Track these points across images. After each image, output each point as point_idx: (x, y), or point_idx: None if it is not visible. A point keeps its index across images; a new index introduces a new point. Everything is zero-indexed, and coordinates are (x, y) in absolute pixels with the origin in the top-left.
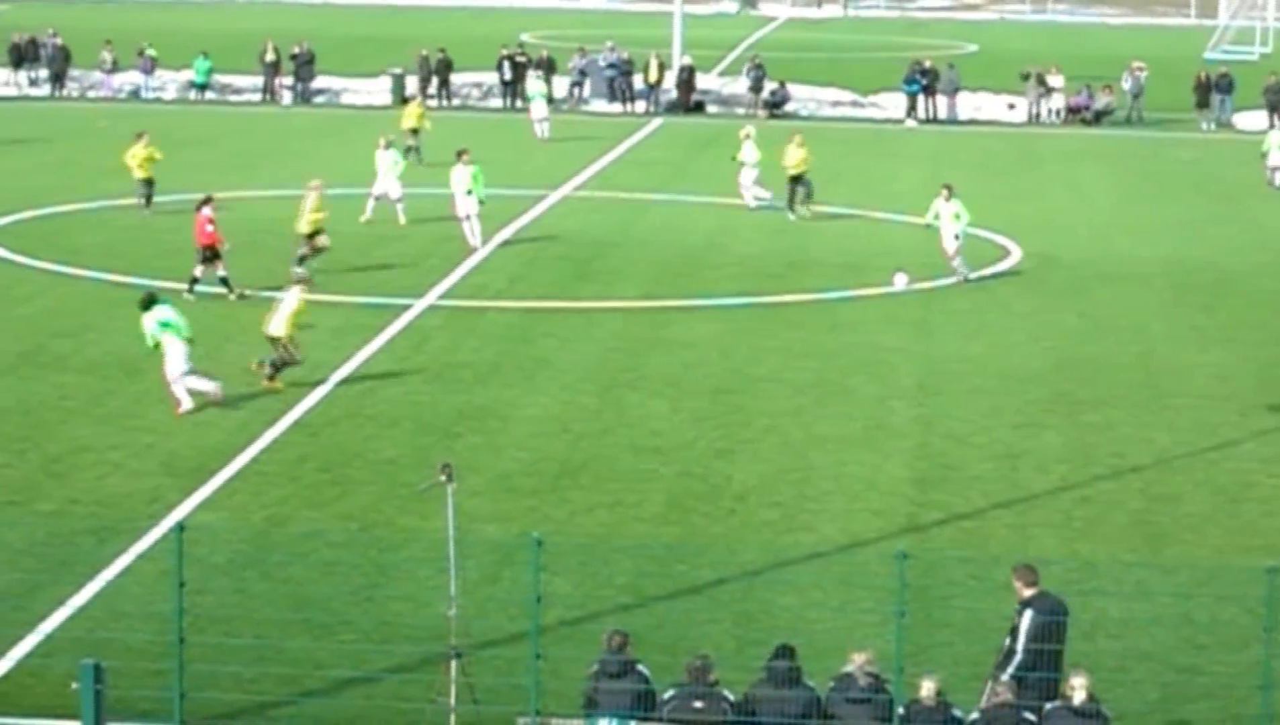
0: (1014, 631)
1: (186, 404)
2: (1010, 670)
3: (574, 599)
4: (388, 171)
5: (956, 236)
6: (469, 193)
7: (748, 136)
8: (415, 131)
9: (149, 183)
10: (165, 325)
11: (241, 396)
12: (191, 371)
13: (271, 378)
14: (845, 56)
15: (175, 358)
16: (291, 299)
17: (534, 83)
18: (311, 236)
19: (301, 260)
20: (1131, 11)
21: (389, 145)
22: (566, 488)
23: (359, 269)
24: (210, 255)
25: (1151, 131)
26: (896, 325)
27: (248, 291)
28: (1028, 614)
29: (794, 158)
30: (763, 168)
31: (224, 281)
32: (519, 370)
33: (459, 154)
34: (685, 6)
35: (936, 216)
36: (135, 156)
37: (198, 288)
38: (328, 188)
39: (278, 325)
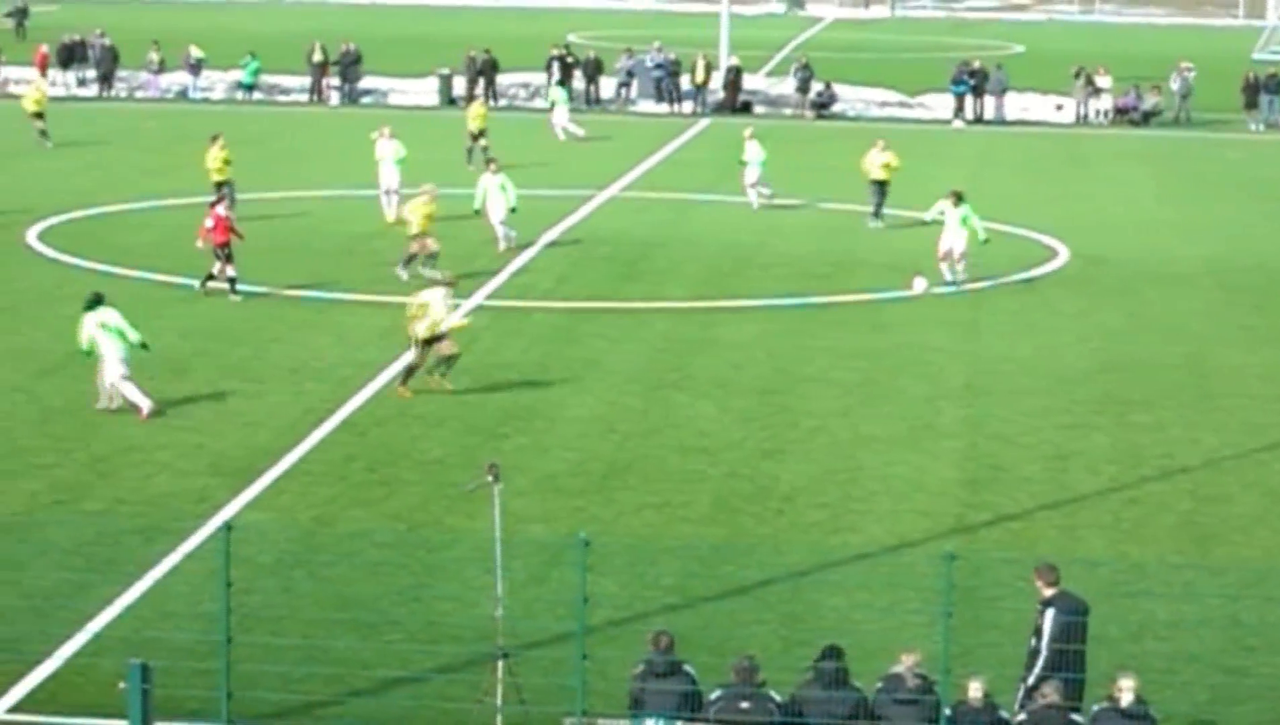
0: (1037, 631)
1: (146, 405)
2: (1036, 670)
3: (620, 599)
4: (389, 160)
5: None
6: (479, 208)
7: (751, 136)
8: (481, 133)
9: (227, 185)
10: (104, 328)
11: (288, 398)
12: (125, 378)
13: (443, 376)
14: (892, 57)
15: (111, 362)
16: (438, 302)
17: (555, 89)
18: (420, 238)
19: (409, 260)
20: (1179, 12)
21: (392, 135)
22: (613, 488)
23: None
24: (225, 252)
25: (1199, 132)
26: (943, 326)
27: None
28: (1050, 613)
29: (876, 163)
30: (767, 166)
31: (209, 277)
32: (566, 370)
33: (488, 163)
34: (732, 7)
35: (941, 214)
36: (215, 160)
37: (241, 287)
38: (373, 187)
39: (429, 327)
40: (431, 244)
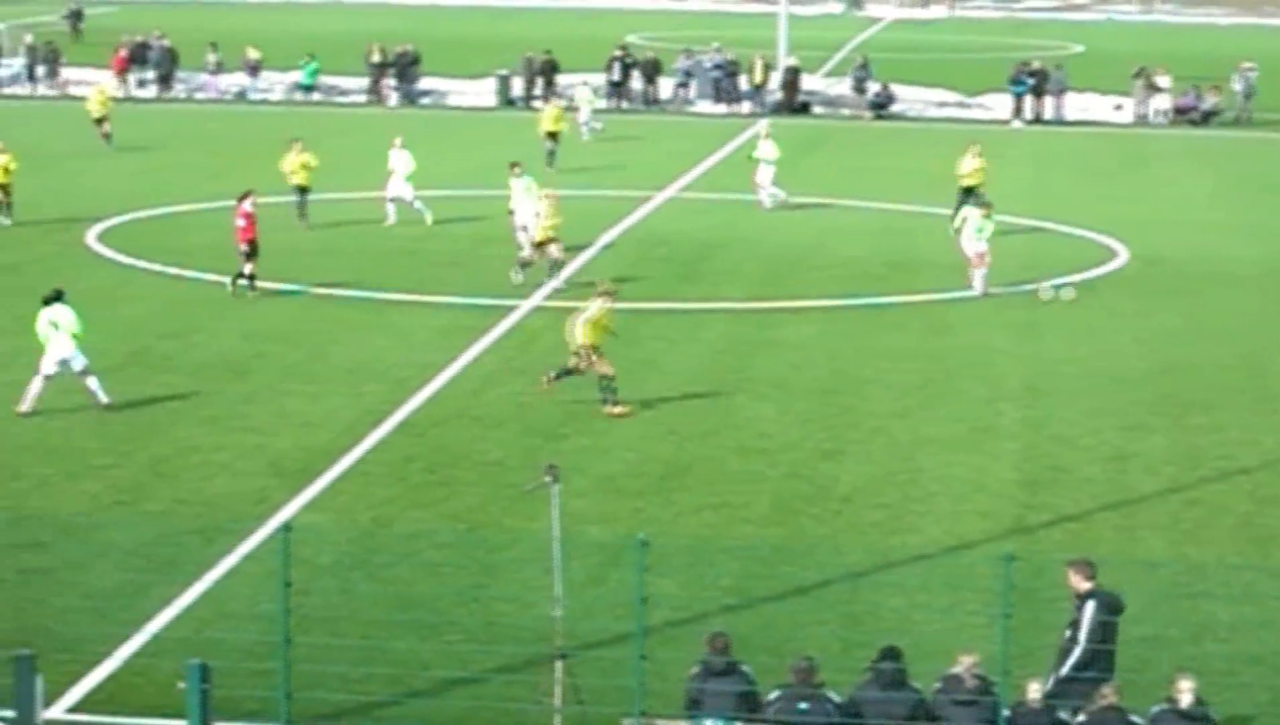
0: (1074, 625)
1: (26, 406)
2: (1071, 663)
3: (679, 600)
4: (399, 174)
5: (980, 247)
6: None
7: (766, 135)
8: (554, 135)
9: (304, 191)
10: (54, 326)
11: (347, 399)
12: (48, 378)
13: (551, 381)
14: (951, 57)
15: (50, 356)
16: (593, 308)
17: (582, 89)
18: (543, 245)
19: (524, 265)
20: (1239, 11)
21: (403, 146)
22: (672, 489)
23: (465, 269)
24: (251, 250)
25: (1259, 132)
26: (1002, 327)
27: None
28: (1090, 606)
29: (968, 167)
30: (780, 165)
31: (251, 277)
32: (625, 372)
33: (511, 166)
34: (790, 7)
35: (963, 220)
36: (291, 164)
37: (256, 283)
38: (432, 189)
39: (577, 333)
40: (540, 254)
